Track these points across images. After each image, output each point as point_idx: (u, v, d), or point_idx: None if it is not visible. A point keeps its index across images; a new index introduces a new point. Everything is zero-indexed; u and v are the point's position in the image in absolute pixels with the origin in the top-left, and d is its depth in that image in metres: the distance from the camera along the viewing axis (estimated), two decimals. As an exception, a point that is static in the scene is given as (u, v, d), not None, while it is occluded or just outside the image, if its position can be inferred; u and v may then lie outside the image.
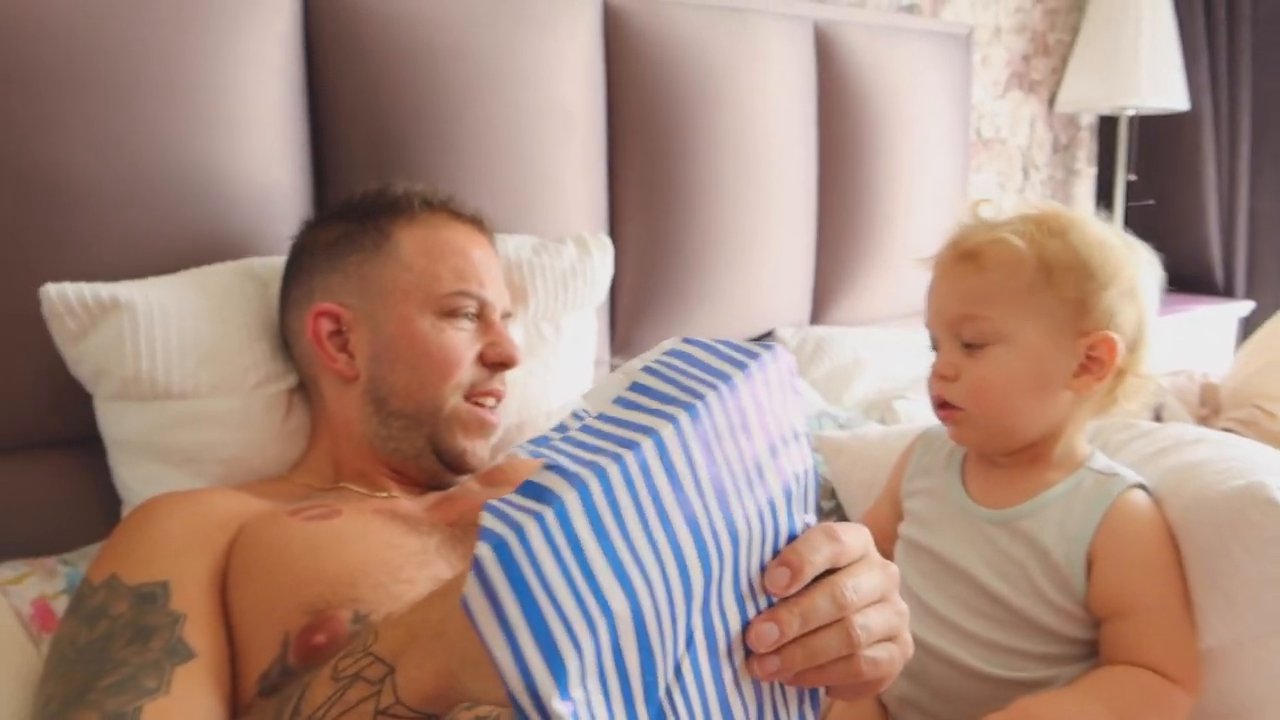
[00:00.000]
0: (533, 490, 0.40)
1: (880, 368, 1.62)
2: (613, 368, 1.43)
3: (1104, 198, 2.57)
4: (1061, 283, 0.80)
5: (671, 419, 0.43)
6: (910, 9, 2.07)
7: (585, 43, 1.31)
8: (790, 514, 0.48)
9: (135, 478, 0.95)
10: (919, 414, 1.48)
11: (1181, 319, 2.26)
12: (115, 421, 0.95)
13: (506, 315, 1.00)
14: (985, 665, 0.80)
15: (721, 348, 0.48)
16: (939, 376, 0.85)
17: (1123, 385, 0.83)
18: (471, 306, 0.94)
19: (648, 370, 0.46)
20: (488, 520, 0.39)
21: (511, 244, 1.14)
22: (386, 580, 0.75)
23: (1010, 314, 0.81)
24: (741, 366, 0.47)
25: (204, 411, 0.95)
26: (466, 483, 1.01)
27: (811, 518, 0.50)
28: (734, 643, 0.46)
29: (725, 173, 1.47)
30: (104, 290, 0.92)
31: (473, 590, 0.37)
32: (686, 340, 0.49)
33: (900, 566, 0.88)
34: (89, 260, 0.96)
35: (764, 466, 0.47)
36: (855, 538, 0.50)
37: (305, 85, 1.12)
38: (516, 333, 1.13)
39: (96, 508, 0.99)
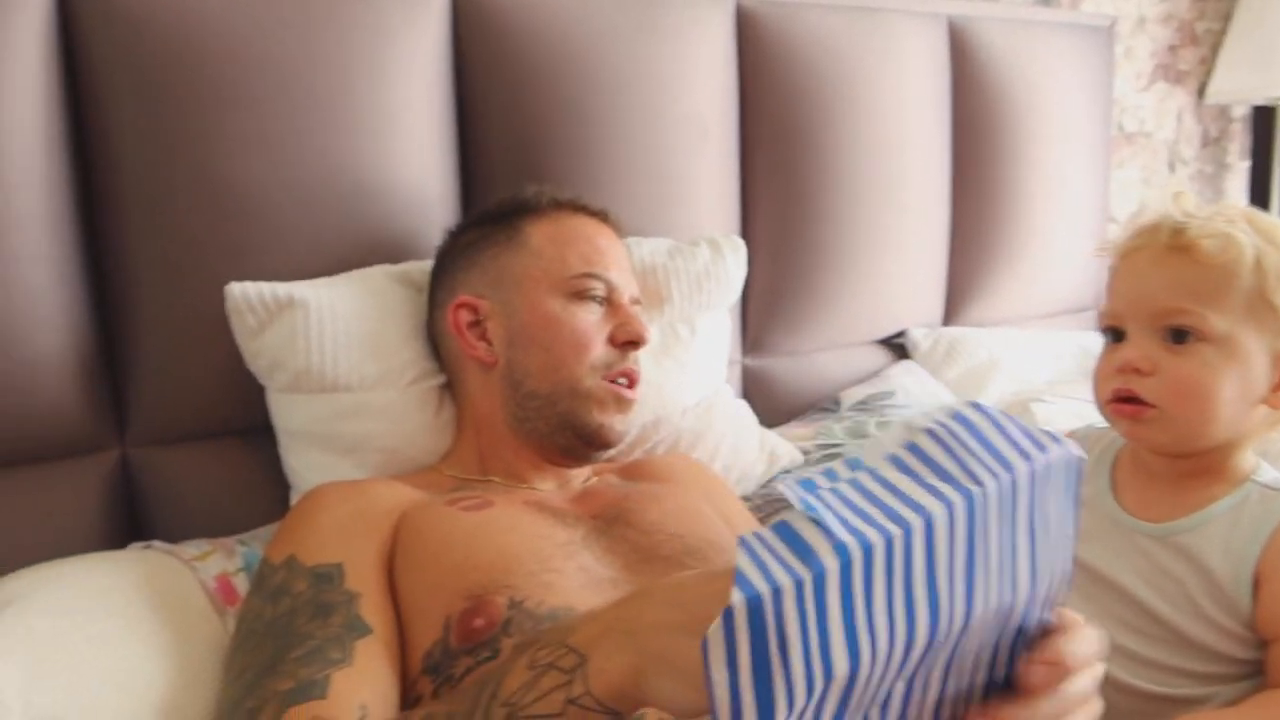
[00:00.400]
0: (794, 542, 0.40)
1: (1016, 370, 1.58)
2: (744, 368, 1.44)
3: (1258, 193, 2.43)
4: (1276, 290, 0.77)
5: (946, 502, 0.42)
6: (1048, 2, 2.01)
7: (718, 48, 1.33)
8: (1029, 609, 0.47)
9: (303, 465, 1.02)
10: (1058, 418, 1.44)
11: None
12: (286, 412, 1.02)
13: (635, 302, 1.02)
14: (1139, 681, 0.78)
15: (1011, 428, 0.46)
16: (1132, 370, 0.79)
17: None
18: (599, 289, 0.97)
19: (930, 435, 0.45)
20: (743, 562, 0.39)
21: (647, 247, 1.17)
22: (538, 569, 0.79)
23: (1227, 314, 0.76)
24: (1027, 458, 0.45)
25: (366, 404, 1.01)
26: (607, 476, 1.04)
27: (1049, 615, 0.49)
28: (925, 711, 0.46)
29: (857, 172, 1.46)
30: (281, 289, 0.99)
31: (715, 631, 0.39)
32: (974, 406, 0.47)
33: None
34: (264, 263, 1.03)
35: (1020, 561, 0.45)
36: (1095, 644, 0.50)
37: (454, 97, 1.18)
38: (653, 332, 1.16)
39: (268, 493, 1.06)
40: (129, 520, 1.04)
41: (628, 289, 1.01)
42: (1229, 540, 0.77)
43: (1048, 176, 1.69)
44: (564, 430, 0.96)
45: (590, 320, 0.97)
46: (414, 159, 1.13)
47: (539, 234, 0.99)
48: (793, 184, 1.42)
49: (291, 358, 0.99)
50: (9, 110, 0.92)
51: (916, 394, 1.45)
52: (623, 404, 0.97)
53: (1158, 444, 0.82)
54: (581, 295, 0.97)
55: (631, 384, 0.98)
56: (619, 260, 1.01)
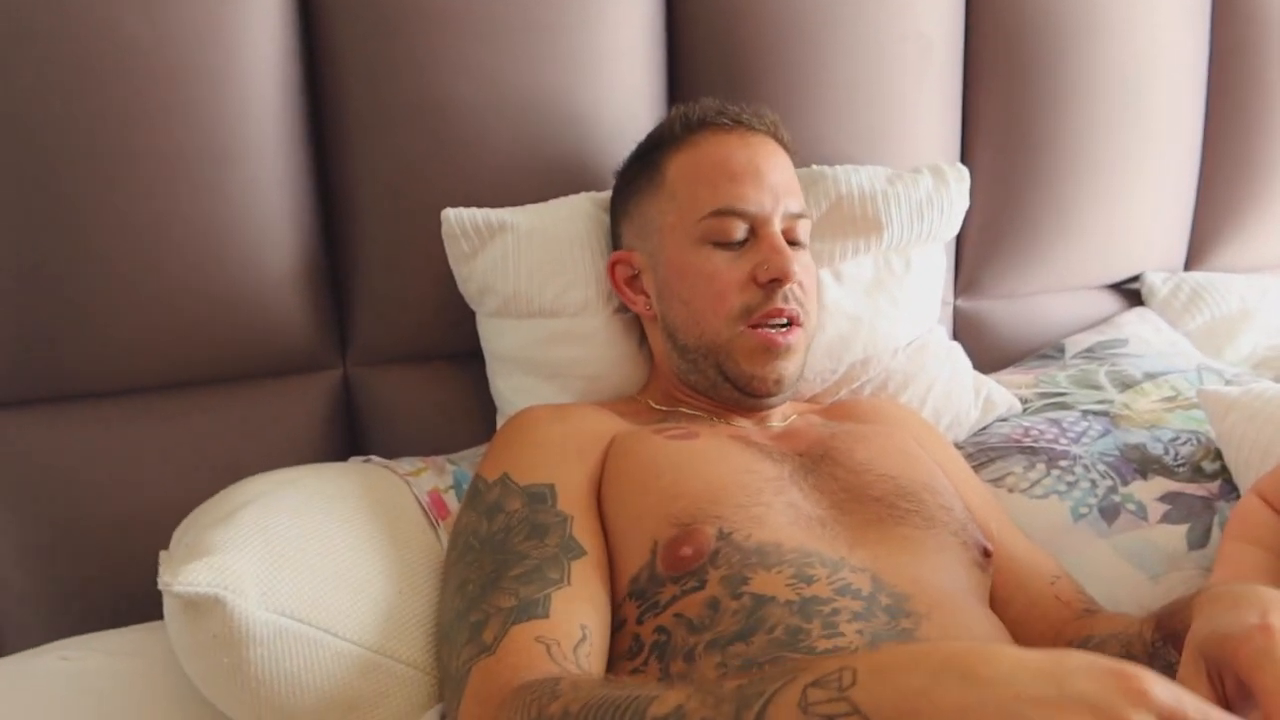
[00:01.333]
0: None
1: (1272, 321, 1.41)
2: (956, 309, 1.36)
3: None
4: None
5: None
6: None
7: (946, -39, 1.23)
8: None
9: (510, 388, 1.04)
10: (1319, 376, 1.27)
11: None
12: (495, 336, 1.04)
13: (796, 217, 0.93)
14: None
15: None
16: None
17: None
18: (736, 227, 0.90)
19: None
20: None
21: (865, 174, 1.11)
22: (746, 502, 0.77)
23: None
24: None
25: (571, 330, 1.01)
26: (810, 416, 1.00)
27: None
28: None
29: (1094, 97, 1.32)
30: (494, 215, 1.00)
31: None
32: None
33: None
34: (478, 189, 1.04)
35: None
36: None
37: (665, 22, 1.14)
38: (865, 264, 1.10)
39: (475, 416, 1.10)
40: (349, 435, 1.10)
41: (778, 208, 0.91)
42: None
43: (1322, 103, 1.48)
44: (723, 383, 0.92)
45: (724, 264, 0.89)
46: (621, 84, 1.11)
47: (674, 170, 0.93)
48: (1021, 109, 1.30)
49: (501, 282, 1.00)
50: (249, 44, 0.96)
51: (1154, 343, 1.31)
52: (772, 350, 0.89)
53: None
54: (717, 236, 0.90)
55: (791, 323, 0.90)
56: (766, 176, 0.91)
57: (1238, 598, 0.58)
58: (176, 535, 0.83)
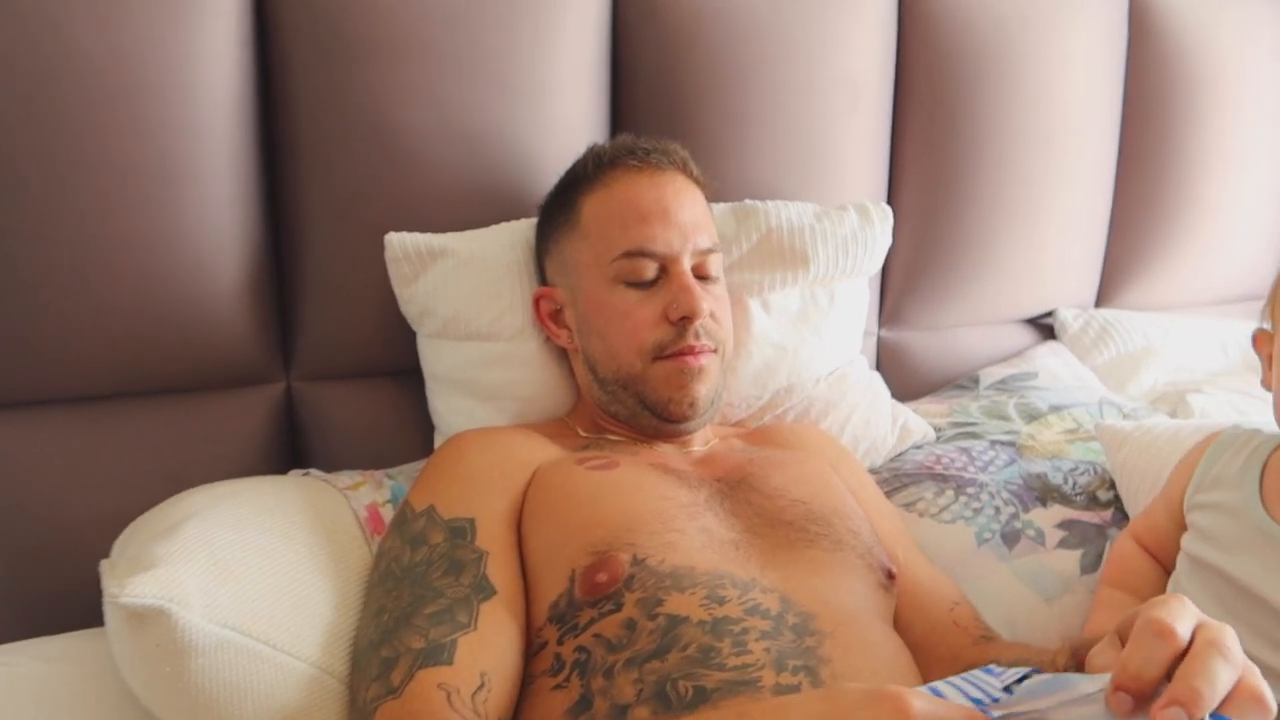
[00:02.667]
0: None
1: (1173, 358, 1.50)
2: (880, 340, 1.42)
3: None
4: None
5: None
6: (1242, -37, 1.86)
7: (877, 11, 1.30)
8: None
9: (447, 408, 1.07)
10: (1216, 411, 1.37)
11: None
12: (434, 357, 1.08)
13: (706, 252, 0.96)
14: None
15: None
16: None
17: None
18: (647, 265, 0.94)
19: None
20: None
21: (795, 209, 1.16)
22: (660, 529, 0.81)
23: None
24: None
25: (508, 353, 1.05)
26: (731, 441, 1.05)
27: None
28: None
29: (1014, 142, 1.40)
30: (435, 240, 1.04)
31: None
32: None
33: (1186, 586, 0.84)
34: (423, 212, 1.08)
35: None
36: (1186, 624, 0.48)
37: (609, 59, 1.19)
38: (793, 296, 1.16)
39: (414, 432, 1.13)
40: (290, 448, 1.13)
41: (689, 245, 0.94)
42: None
43: (1228, 153, 1.58)
44: (642, 411, 0.96)
45: (637, 303, 0.93)
46: (566, 118, 1.15)
47: (588, 210, 0.97)
48: (945, 153, 1.38)
49: (441, 305, 1.04)
50: (204, 64, 0.99)
51: (1062, 377, 1.40)
52: (685, 374, 0.93)
53: None
54: (629, 276, 0.93)
55: (698, 354, 0.93)
56: (674, 215, 0.94)
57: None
58: (118, 546, 0.86)
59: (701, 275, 0.97)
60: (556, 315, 1.02)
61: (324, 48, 1.04)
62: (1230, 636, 0.48)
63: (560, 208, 1.01)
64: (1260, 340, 0.83)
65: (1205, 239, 1.59)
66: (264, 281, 1.07)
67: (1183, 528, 0.88)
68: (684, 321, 0.93)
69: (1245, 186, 1.60)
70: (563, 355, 1.07)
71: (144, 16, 0.95)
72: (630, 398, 0.96)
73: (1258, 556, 0.79)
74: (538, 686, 0.76)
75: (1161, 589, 0.89)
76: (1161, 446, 1.09)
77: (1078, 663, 0.71)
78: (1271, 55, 1.62)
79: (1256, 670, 0.48)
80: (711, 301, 0.95)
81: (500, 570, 0.80)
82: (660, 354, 0.94)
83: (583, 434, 1.00)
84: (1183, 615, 0.49)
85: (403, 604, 0.77)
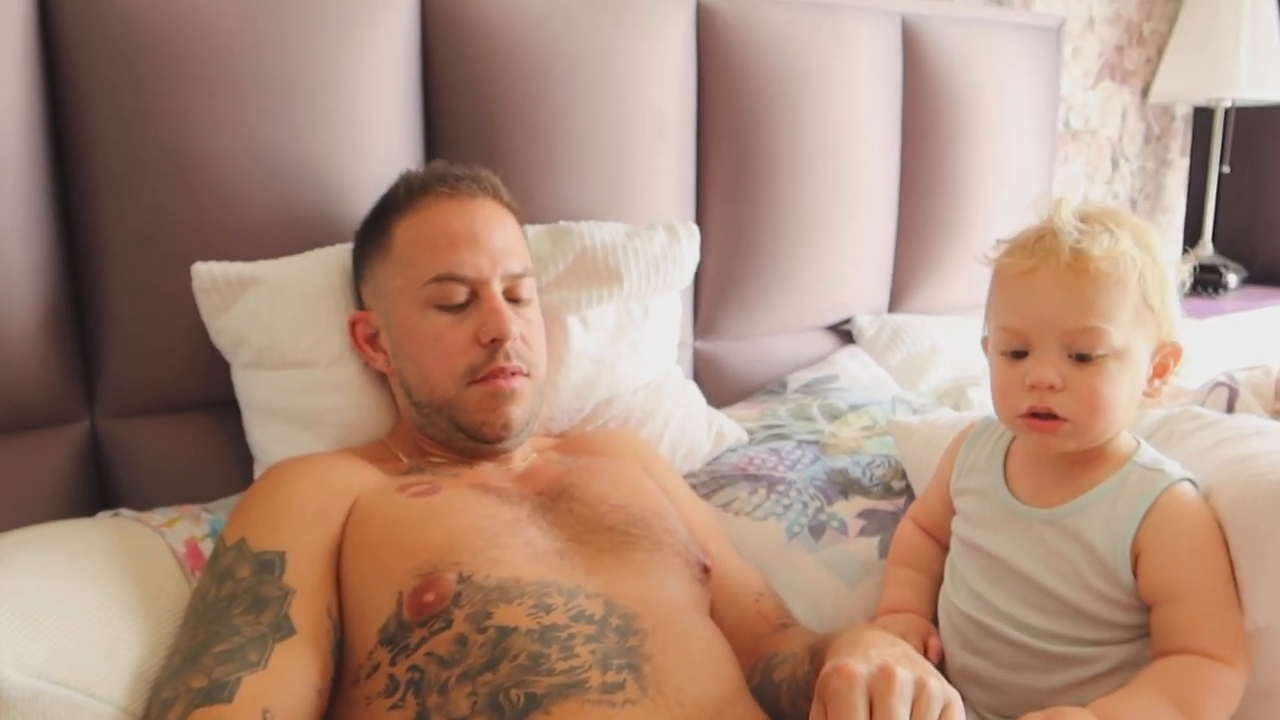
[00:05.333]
0: None
1: (955, 356, 1.65)
2: (696, 350, 1.50)
3: (1196, 187, 2.53)
4: (1152, 295, 0.83)
5: None
6: (1001, 1, 2.08)
7: (678, 43, 1.38)
8: None
9: (266, 438, 1.06)
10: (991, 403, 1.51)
11: (1268, 314, 2.23)
12: (250, 387, 1.06)
13: (517, 277, 0.98)
14: (1042, 644, 0.85)
15: None
16: (1048, 388, 0.82)
17: (1166, 386, 0.87)
18: (457, 292, 0.95)
19: None
20: None
21: (607, 230, 1.22)
22: (483, 546, 0.84)
23: (1122, 326, 0.81)
24: None
25: (326, 380, 1.05)
26: (548, 454, 1.08)
27: None
28: None
29: (810, 164, 1.52)
30: (245, 269, 1.03)
31: None
32: None
33: (960, 563, 0.94)
34: (231, 241, 1.07)
35: None
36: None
37: (420, 85, 1.21)
38: (609, 312, 1.21)
39: (233, 465, 1.10)
40: (98, 490, 1.08)
41: (499, 269, 0.96)
42: (1110, 519, 0.84)
43: (993, 171, 1.76)
44: (457, 433, 0.97)
45: (449, 327, 0.95)
46: (380, 144, 1.16)
47: (400, 235, 0.98)
48: (747, 174, 1.47)
49: (255, 335, 1.02)
50: (-18, 89, 0.94)
51: (860, 378, 1.52)
52: (497, 397, 0.95)
53: (1065, 450, 0.87)
54: (441, 300, 0.95)
55: (510, 376, 0.95)
56: (484, 240, 0.96)
57: (854, 642, 0.71)
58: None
59: (513, 299, 0.99)
60: (373, 339, 1.02)
61: (116, 72, 1.01)
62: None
63: (374, 233, 1.01)
64: (987, 345, 0.94)
65: (973, 249, 1.75)
66: (62, 316, 1.03)
67: (953, 511, 0.99)
68: (494, 344, 0.95)
69: (1007, 199, 1.79)
70: (382, 379, 1.07)
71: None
72: (445, 421, 0.97)
73: (1007, 532, 0.90)
74: (374, 709, 0.77)
75: (940, 564, 0.99)
76: (944, 438, 1.19)
77: (815, 665, 0.78)
78: (1027, 82, 1.82)
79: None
80: (523, 325, 0.98)
81: (304, 609, 0.80)
82: (473, 378, 0.95)
83: (404, 458, 1.01)
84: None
85: (195, 643, 0.77)
